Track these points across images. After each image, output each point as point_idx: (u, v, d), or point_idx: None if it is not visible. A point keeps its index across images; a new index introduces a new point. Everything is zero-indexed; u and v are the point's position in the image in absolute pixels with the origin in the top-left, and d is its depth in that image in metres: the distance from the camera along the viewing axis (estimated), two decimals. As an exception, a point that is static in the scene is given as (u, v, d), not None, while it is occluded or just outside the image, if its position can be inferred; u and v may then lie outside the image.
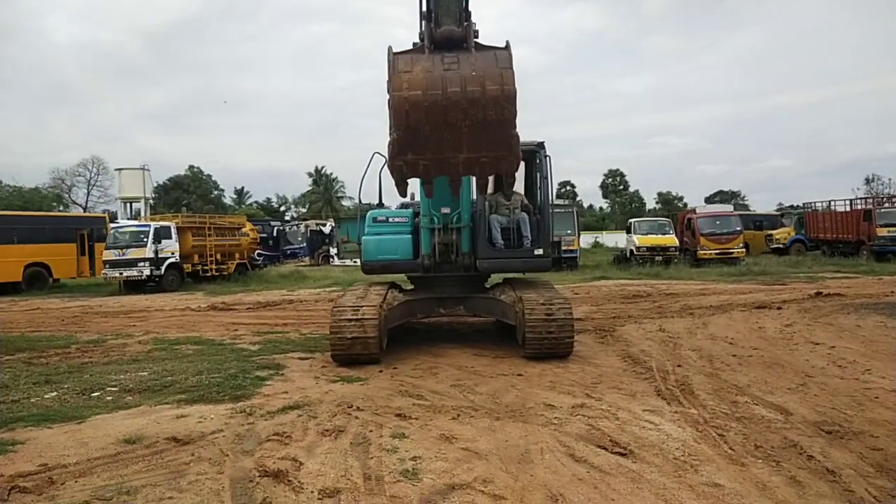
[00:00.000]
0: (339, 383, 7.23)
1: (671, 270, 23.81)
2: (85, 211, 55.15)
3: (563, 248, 25.63)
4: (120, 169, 51.55)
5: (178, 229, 22.90)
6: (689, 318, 11.93)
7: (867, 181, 60.33)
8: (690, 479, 4.25)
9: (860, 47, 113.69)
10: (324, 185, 71.10)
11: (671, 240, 27.63)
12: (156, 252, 21.56)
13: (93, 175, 61.03)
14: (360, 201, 10.10)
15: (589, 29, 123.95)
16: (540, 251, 9.11)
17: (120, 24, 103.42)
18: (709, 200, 60.77)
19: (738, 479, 4.24)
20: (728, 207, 33.52)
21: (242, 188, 74.48)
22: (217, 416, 5.95)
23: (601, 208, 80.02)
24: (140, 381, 7.47)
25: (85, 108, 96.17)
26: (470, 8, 6.34)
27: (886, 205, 28.82)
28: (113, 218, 40.81)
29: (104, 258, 22.15)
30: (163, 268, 21.86)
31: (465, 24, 6.22)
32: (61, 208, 54.72)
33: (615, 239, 45.28)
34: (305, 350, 9.39)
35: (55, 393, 7.05)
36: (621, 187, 77.07)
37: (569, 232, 26.25)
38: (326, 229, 39.94)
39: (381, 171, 8.99)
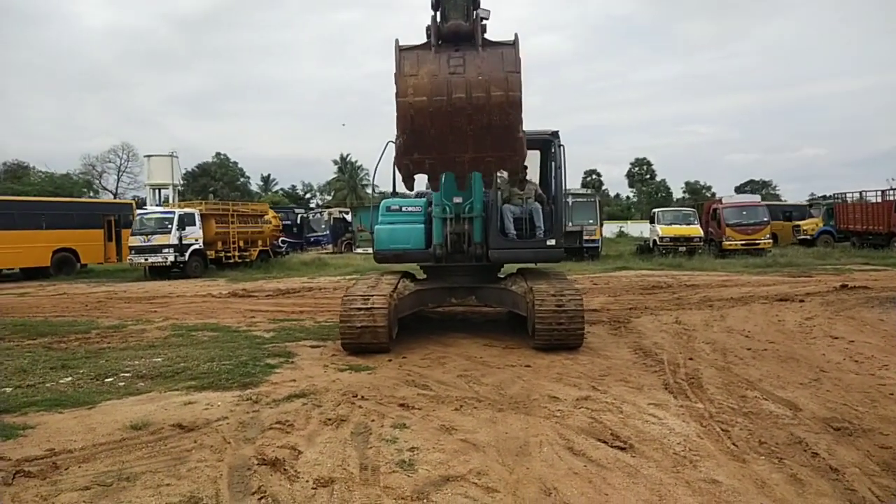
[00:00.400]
0: (347, 372, 7.27)
1: (694, 261, 23.49)
2: (115, 197, 56.10)
3: (585, 237, 25.42)
4: (149, 155, 52.31)
5: (202, 216, 23.21)
6: (708, 310, 11.76)
7: (902, 171, 58.77)
8: (688, 474, 4.20)
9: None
10: (349, 172, 71.36)
11: (695, 230, 27.24)
12: (180, 238, 21.91)
13: (123, 161, 62.12)
14: (372, 190, 10.11)
15: (618, 14, 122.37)
16: (553, 242, 9.04)
17: (152, 10, 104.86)
18: (739, 190, 59.92)
19: (737, 475, 4.18)
20: (755, 197, 32.95)
21: (269, 175, 75.22)
22: (224, 403, 6.02)
23: (628, 197, 79.25)
24: (153, 368, 7.59)
25: (117, 94, 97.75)
26: None
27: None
28: (142, 204, 41.55)
29: (130, 244, 22.59)
30: (187, 254, 22.20)
31: (474, 18, 6.12)
32: (91, 194, 55.71)
33: (640, 229, 44.87)
34: (318, 338, 9.46)
35: (70, 378, 7.19)
36: (648, 176, 76.14)
37: (591, 221, 26.03)
38: (349, 217, 40.20)
39: (394, 161, 8.98)
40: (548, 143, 9.34)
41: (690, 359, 7.66)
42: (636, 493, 3.94)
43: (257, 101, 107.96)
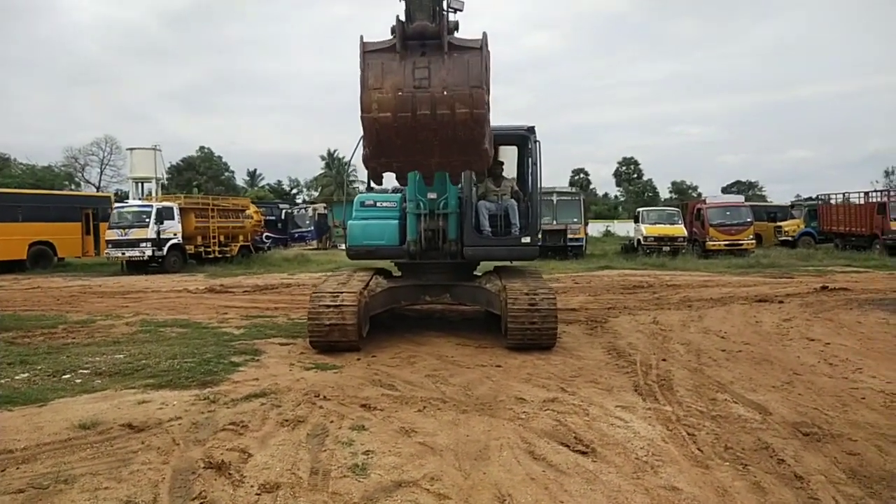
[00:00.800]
0: (313, 371, 7.09)
1: (677, 261, 23.45)
2: (98, 190, 55.41)
3: (570, 236, 25.30)
4: (132, 148, 51.34)
5: (181, 210, 22.83)
6: (687, 310, 11.67)
7: (886, 174, 59.34)
8: (648, 481, 4.06)
9: (888, 39, 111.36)
10: (336, 168, 70.91)
11: (679, 230, 27.20)
12: (158, 233, 21.53)
13: (106, 154, 61.36)
14: (345, 185, 9.96)
15: (611, 13, 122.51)
16: (528, 239, 8.89)
17: (142, 4, 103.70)
18: (725, 191, 60.13)
19: (698, 482, 4.04)
20: (739, 198, 32.98)
21: (255, 170, 74.66)
22: (180, 402, 5.82)
23: (616, 196, 79.41)
24: (113, 364, 7.37)
25: (107, 88, 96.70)
26: None
27: (902, 198, 28.12)
28: (125, 198, 41.00)
29: (107, 238, 22.17)
30: (165, 249, 21.83)
31: (442, 13, 5.88)
32: (72, 187, 54.99)
33: (627, 228, 44.83)
34: (288, 336, 9.26)
35: (26, 374, 6.97)
36: (635, 175, 76.35)
37: (575, 220, 25.88)
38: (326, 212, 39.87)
39: (362, 161, 8.82)
40: (524, 139, 9.18)
41: (664, 360, 7.54)
42: (592, 500, 3.80)
43: (250, 95, 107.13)
